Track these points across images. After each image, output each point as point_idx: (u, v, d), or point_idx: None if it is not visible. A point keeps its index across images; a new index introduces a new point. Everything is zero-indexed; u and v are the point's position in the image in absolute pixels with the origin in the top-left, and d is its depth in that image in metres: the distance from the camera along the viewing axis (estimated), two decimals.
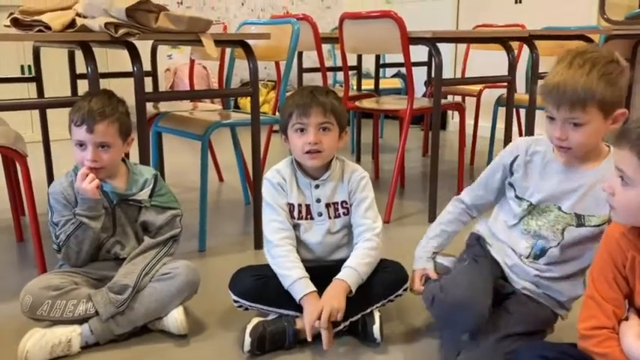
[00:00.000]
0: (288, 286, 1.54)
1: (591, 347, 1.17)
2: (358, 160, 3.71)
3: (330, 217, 1.64)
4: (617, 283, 1.19)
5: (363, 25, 2.71)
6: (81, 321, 1.55)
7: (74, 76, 2.86)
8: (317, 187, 1.64)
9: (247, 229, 2.48)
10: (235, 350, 1.56)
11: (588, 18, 3.75)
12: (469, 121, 3.49)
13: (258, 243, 2.25)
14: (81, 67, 2.08)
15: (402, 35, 2.47)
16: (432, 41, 2.51)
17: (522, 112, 3.36)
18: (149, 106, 2.50)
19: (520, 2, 4.25)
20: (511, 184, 1.54)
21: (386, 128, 4.65)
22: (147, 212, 1.69)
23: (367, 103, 3.08)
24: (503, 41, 2.70)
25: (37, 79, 2.73)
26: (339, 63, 3.20)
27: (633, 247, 1.16)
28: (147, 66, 2.80)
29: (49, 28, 1.82)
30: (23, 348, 1.46)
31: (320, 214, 1.64)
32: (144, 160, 1.97)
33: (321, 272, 1.58)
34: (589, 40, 2.90)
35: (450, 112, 4.91)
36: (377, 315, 1.59)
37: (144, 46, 2.22)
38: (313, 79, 4.41)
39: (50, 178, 2.74)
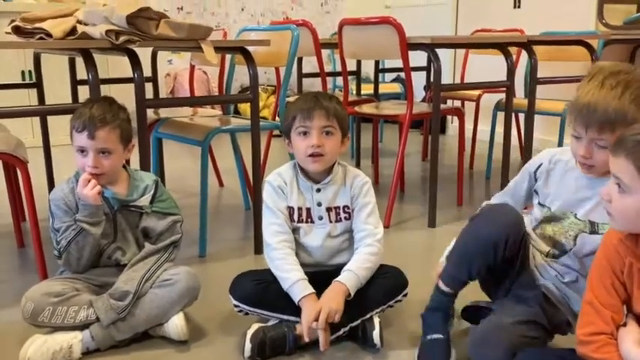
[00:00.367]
0: (287, 288, 1.55)
1: (590, 353, 1.18)
2: (358, 165, 3.72)
3: (330, 221, 1.65)
4: (615, 289, 1.20)
5: (363, 31, 2.72)
6: (82, 327, 1.55)
7: (75, 82, 2.88)
8: (318, 190, 1.65)
9: (247, 235, 2.49)
10: (236, 356, 1.56)
11: (587, 23, 3.76)
12: (468, 126, 3.50)
13: (259, 248, 2.26)
14: (82, 73, 2.10)
15: (400, 41, 2.48)
16: (430, 47, 2.52)
17: (521, 116, 3.37)
18: (149, 112, 2.51)
19: (519, 7, 4.27)
20: (536, 191, 1.55)
21: (385, 133, 4.66)
22: (147, 218, 1.70)
23: (367, 108, 3.09)
24: (502, 46, 2.71)
25: (38, 85, 2.74)
26: (339, 68, 3.21)
27: (631, 253, 1.16)
28: (147, 71, 2.80)
29: (50, 35, 1.83)
30: (25, 354, 1.47)
31: (320, 218, 1.65)
32: (144, 165, 1.98)
33: (321, 277, 1.59)
34: (587, 45, 2.91)
35: (449, 117, 4.92)
36: (377, 320, 1.59)
37: (144, 52, 2.23)
38: (313, 84, 4.43)
39: (51, 183, 2.75)
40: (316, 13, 5.76)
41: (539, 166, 1.53)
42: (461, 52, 4.28)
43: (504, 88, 2.79)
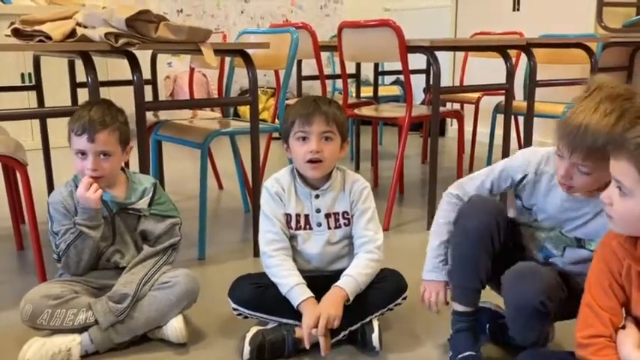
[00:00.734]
0: (285, 293, 1.55)
1: (589, 356, 1.18)
2: (357, 168, 3.72)
3: (329, 228, 1.64)
4: (613, 291, 1.20)
5: (362, 34, 2.72)
6: (81, 330, 1.55)
7: (74, 85, 2.88)
8: (317, 197, 1.64)
9: (247, 237, 2.49)
10: (235, 359, 1.56)
11: (586, 26, 3.77)
12: (468, 128, 3.51)
13: (258, 251, 2.23)
14: (81, 75, 2.10)
15: (400, 44, 2.49)
16: (430, 49, 2.53)
17: (520, 119, 3.37)
18: (149, 115, 2.51)
19: (518, 10, 4.27)
20: (518, 196, 1.52)
21: (385, 135, 4.66)
22: (146, 221, 1.70)
23: (366, 111, 3.10)
24: (501, 49, 2.71)
25: (38, 88, 2.74)
26: (338, 71, 3.21)
27: (629, 255, 1.16)
28: (147, 74, 2.81)
29: (49, 38, 1.83)
30: (23, 357, 1.46)
31: (319, 225, 1.64)
32: (144, 168, 1.97)
33: (320, 282, 1.59)
34: (587, 48, 2.91)
35: (448, 119, 4.92)
36: (376, 324, 1.59)
37: (144, 55, 2.23)
38: (312, 87, 4.44)
39: (50, 186, 2.75)
40: (315, 16, 5.77)
41: (525, 177, 1.48)
42: (460, 55, 4.28)
43: (503, 91, 2.79)
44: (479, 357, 1.47)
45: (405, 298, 1.64)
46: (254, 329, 1.57)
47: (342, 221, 1.65)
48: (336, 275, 1.60)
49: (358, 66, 3.87)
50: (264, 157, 3.32)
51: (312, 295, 1.54)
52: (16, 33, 1.90)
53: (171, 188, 2.95)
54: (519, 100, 3.03)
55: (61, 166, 2.86)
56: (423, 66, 3.87)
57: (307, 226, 1.64)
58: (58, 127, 2.50)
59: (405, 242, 2.48)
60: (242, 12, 5.50)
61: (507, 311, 1.43)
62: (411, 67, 2.59)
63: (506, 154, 2.77)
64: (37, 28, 1.87)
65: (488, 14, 4.41)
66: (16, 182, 2.36)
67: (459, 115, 3.07)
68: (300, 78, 3.67)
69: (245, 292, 1.60)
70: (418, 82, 3.69)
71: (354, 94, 3.84)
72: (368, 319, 1.59)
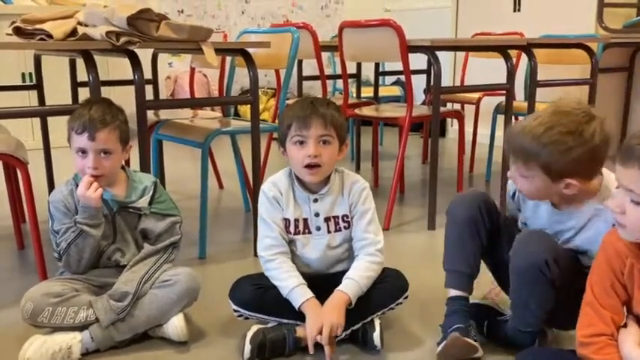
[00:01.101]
0: (286, 295, 1.55)
1: (590, 354, 1.18)
2: (358, 168, 3.72)
3: (329, 232, 1.63)
4: (615, 290, 1.20)
5: (363, 34, 2.72)
6: (81, 328, 1.55)
7: (75, 84, 2.88)
8: (316, 200, 1.62)
9: (247, 236, 2.49)
10: (235, 357, 1.56)
11: (586, 26, 3.77)
12: (468, 129, 3.50)
13: None
14: (82, 74, 2.10)
15: (400, 43, 2.49)
16: (430, 49, 2.53)
17: (521, 119, 3.37)
18: (150, 114, 2.51)
19: (519, 10, 4.28)
20: (519, 209, 1.60)
21: (385, 136, 4.66)
22: (146, 219, 1.70)
23: (367, 111, 3.10)
24: (502, 49, 2.71)
25: (38, 87, 2.74)
26: (339, 71, 3.21)
27: (632, 254, 1.16)
28: (147, 74, 2.81)
29: (50, 36, 1.83)
30: (24, 355, 1.46)
31: (318, 229, 1.63)
32: (144, 167, 1.97)
33: (320, 282, 1.59)
34: (587, 48, 2.92)
35: (449, 120, 4.92)
36: (377, 322, 1.59)
37: (145, 54, 2.23)
38: (313, 87, 4.44)
39: (51, 185, 2.75)
40: (316, 16, 5.77)
41: (515, 193, 1.58)
42: (461, 55, 4.28)
43: (504, 91, 2.79)
44: (466, 329, 1.48)
45: (406, 298, 1.64)
46: (255, 328, 1.57)
47: (341, 224, 1.63)
48: (337, 276, 1.59)
49: (359, 66, 3.87)
50: (265, 157, 3.32)
51: (313, 295, 1.54)
52: (18, 31, 1.90)
53: (171, 187, 2.95)
54: (520, 101, 3.03)
55: (62, 165, 2.86)
56: (424, 66, 3.87)
57: (306, 231, 1.63)
58: (58, 126, 2.49)
59: (406, 242, 2.48)
60: (243, 12, 5.50)
61: (513, 281, 1.44)
62: (411, 68, 2.59)
63: (506, 155, 2.77)
64: (38, 26, 1.87)
65: (489, 15, 4.41)
66: (16, 181, 2.36)
67: (459, 115, 3.07)
68: (301, 78, 3.67)
69: (245, 293, 1.59)
70: (419, 83, 3.69)
71: (354, 95, 3.84)
72: (369, 319, 1.58)
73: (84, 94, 2.15)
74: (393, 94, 5.12)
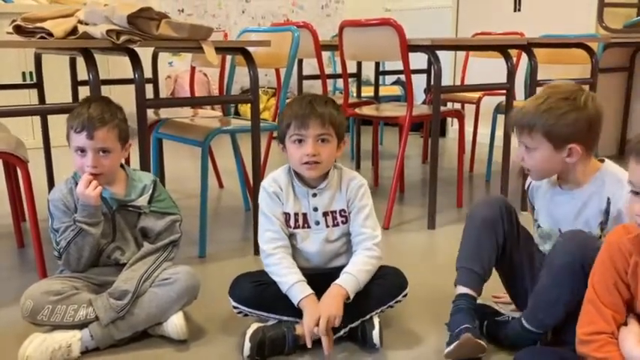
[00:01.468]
0: (285, 291, 1.55)
1: (591, 352, 1.18)
2: (358, 167, 3.72)
3: (327, 226, 1.64)
4: (617, 288, 1.19)
5: (363, 33, 2.73)
6: (81, 326, 1.55)
7: (75, 83, 2.88)
8: (314, 195, 1.64)
9: (247, 235, 2.49)
10: (235, 356, 1.56)
11: (587, 26, 3.76)
12: (468, 129, 3.50)
13: (258, 249, 2.24)
14: (82, 73, 2.10)
15: (401, 43, 2.49)
16: (431, 49, 2.53)
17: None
18: (150, 113, 2.51)
19: (519, 10, 4.28)
20: (533, 207, 1.66)
21: (385, 135, 4.66)
22: (146, 218, 1.70)
23: (367, 110, 3.10)
24: (502, 49, 2.71)
25: (39, 86, 2.74)
26: (339, 70, 3.21)
27: (637, 252, 1.16)
28: (148, 73, 2.81)
29: (51, 35, 1.83)
30: (24, 353, 1.46)
31: (317, 223, 1.64)
32: (144, 166, 1.97)
33: (320, 279, 1.59)
34: (588, 48, 2.92)
35: (449, 120, 4.92)
36: (376, 321, 1.59)
37: (145, 53, 2.23)
38: (313, 86, 4.43)
39: (51, 183, 2.75)
40: (316, 15, 5.77)
41: (530, 184, 1.65)
42: (461, 55, 4.28)
43: (504, 91, 2.79)
44: (475, 329, 1.47)
45: (405, 296, 1.64)
46: (254, 326, 1.57)
47: (339, 219, 1.65)
48: (336, 272, 1.60)
49: (359, 65, 3.87)
50: (265, 156, 3.32)
51: (312, 292, 1.54)
52: (18, 30, 1.91)
53: (171, 186, 2.95)
54: (520, 101, 3.02)
55: (62, 164, 2.86)
56: (424, 66, 3.87)
57: (305, 225, 1.64)
58: (58, 125, 2.50)
59: (406, 241, 2.49)
60: (243, 12, 5.51)
61: (546, 278, 1.43)
62: (411, 67, 2.59)
63: (506, 154, 2.78)
64: (38, 25, 1.87)
65: (489, 14, 4.41)
66: (17, 180, 2.37)
67: (459, 115, 3.07)
68: (301, 77, 3.67)
69: (245, 290, 1.60)
70: (419, 83, 3.69)
71: (354, 94, 3.84)
72: (368, 317, 1.59)
73: (84, 92, 2.15)
74: (394, 93, 5.12)
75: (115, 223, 1.68)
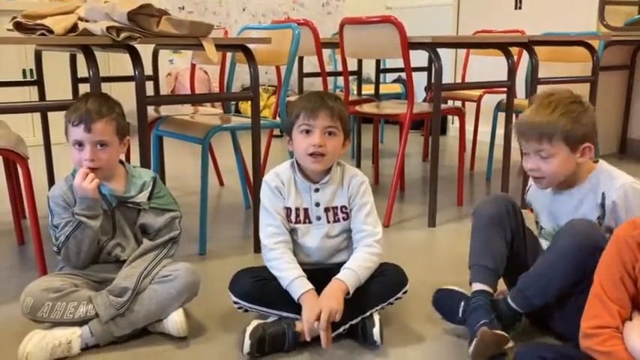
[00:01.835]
0: (285, 286, 1.55)
1: (595, 346, 1.18)
2: (358, 165, 3.71)
3: (328, 222, 1.65)
4: (624, 283, 1.19)
5: (364, 31, 2.72)
6: (81, 323, 1.55)
7: (76, 80, 2.87)
8: (317, 190, 1.64)
9: (247, 233, 2.49)
10: (235, 352, 1.56)
11: (588, 24, 3.76)
12: (469, 127, 3.50)
13: (258, 246, 2.24)
14: (82, 70, 2.10)
15: (402, 40, 2.49)
16: (431, 46, 2.52)
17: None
18: (150, 110, 2.51)
19: (520, 8, 4.27)
20: (530, 205, 1.71)
21: (386, 133, 4.66)
22: (146, 214, 1.70)
23: (367, 108, 3.09)
24: (503, 47, 2.71)
25: (39, 83, 2.74)
26: (340, 68, 3.21)
27: None
28: (148, 70, 2.81)
29: (51, 31, 1.83)
30: (24, 349, 1.46)
31: (318, 218, 1.65)
32: (145, 163, 1.97)
33: (320, 275, 1.59)
34: (589, 45, 2.91)
35: (450, 118, 4.92)
36: (377, 318, 1.59)
37: (145, 51, 2.23)
38: (313, 84, 4.43)
39: (51, 181, 2.75)
40: (317, 13, 5.76)
41: (528, 190, 1.69)
42: (462, 53, 4.28)
43: (505, 89, 2.79)
44: (491, 322, 1.47)
45: (405, 292, 1.64)
46: (254, 323, 1.57)
47: (340, 215, 1.65)
48: (336, 268, 1.60)
49: (360, 63, 3.87)
50: (265, 154, 3.32)
51: (313, 287, 1.54)
52: (18, 27, 1.90)
53: (172, 184, 2.95)
54: (521, 99, 3.03)
55: (62, 161, 2.85)
56: (425, 64, 3.87)
57: (307, 220, 1.65)
58: (59, 122, 2.50)
59: (406, 239, 2.49)
60: (244, 9, 5.50)
61: (546, 258, 1.47)
62: (412, 65, 2.58)
63: (507, 153, 2.77)
64: (38, 22, 1.87)
65: (490, 12, 4.40)
66: (17, 177, 2.37)
67: (460, 112, 3.07)
68: (302, 75, 3.67)
69: (246, 285, 1.60)
70: (419, 81, 3.68)
71: (355, 92, 3.83)
72: (368, 313, 1.59)
73: (84, 90, 2.14)
74: (394, 91, 5.11)
75: (114, 220, 1.68)
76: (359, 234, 1.64)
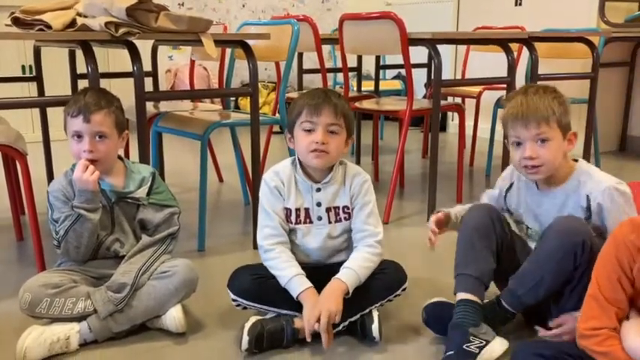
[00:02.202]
0: (284, 284, 1.55)
1: (592, 346, 1.17)
2: (358, 162, 3.71)
3: (330, 222, 1.63)
4: (621, 284, 1.18)
5: (363, 27, 2.71)
6: (79, 319, 1.55)
7: (75, 76, 2.87)
8: (318, 190, 1.62)
9: (246, 229, 2.49)
10: (233, 349, 1.56)
11: (588, 20, 3.75)
12: (469, 123, 3.50)
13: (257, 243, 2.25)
14: (81, 66, 2.09)
15: (401, 36, 2.48)
16: (431, 42, 2.52)
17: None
18: (149, 106, 2.51)
19: (520, 4, 4.26)
20: (508, 210, 1.67)
21: (386, 130, 4.65)
22: (145, 210, 1.70)
23: (367, 104, 3.09)
24: (503, 43, 2.70)
25: (38, 79, 2.73)
26: (340, 64, 3.20)
27: None
28: (147, 66, 2.80)
29: (49, 27, 1.82)
30: (22, 345, 1.46)
31: (320, 218, 1.63)
32: (144, 159, 1.97)
33: (319, 273, 1.59)
34: (589, 42, 2.90)
35: (449, 114, 4.91)
36: (376, 314, 1.59)
37: (144, 47, 2.22)
38: (313, 81, 4.43)
39: (50, 177, 2.75)
40: (317, 9, 5.75)
41: (511, 186, 1.66)
42: (462, 49, 4.27)
43: (505, 85, 2.78)
44: (460, 353, 1.42)
45: (404, 289, 1.64)
46: (253, 319, 1.57)
47: (342, 215, 1.64)
48: (336, 267, 1.59)
49: (359, 59, 3.86)
50: (265, 150, 3.32)
51: (311, 285, 1.54)
52: (16, 22, 1.90)
53: (171, 180, 2.95)
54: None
55: (61, 158, 2.85)
56: (425, 60, 3.86)
57: (307, 220, 1.63)
58: (58, 119, 2.50)
59: (405, 235, 2.48)
60: (243, 6, 5.49)
61: (536, 257, 1.46)
62: (412, 62, 2.58)
63: (506, 150, 2.76)
64: (37, 17, 1.87)
65: (490, 9, 4.39)
66: (16, 173, 2.36)
67: (459, 109, 3.06)
68: (301, 71, 3.66)
69: (244, 282, 1.59)
70: (419, 77, 3.68)
71: (355, 88, 3.83)
72: (368, 310, 1.58)
73: (83, 85, 2.14)
74: (394, 87, 5.11)
75: (113, 215, 1.68)
76: (360, 233, 1.62)
